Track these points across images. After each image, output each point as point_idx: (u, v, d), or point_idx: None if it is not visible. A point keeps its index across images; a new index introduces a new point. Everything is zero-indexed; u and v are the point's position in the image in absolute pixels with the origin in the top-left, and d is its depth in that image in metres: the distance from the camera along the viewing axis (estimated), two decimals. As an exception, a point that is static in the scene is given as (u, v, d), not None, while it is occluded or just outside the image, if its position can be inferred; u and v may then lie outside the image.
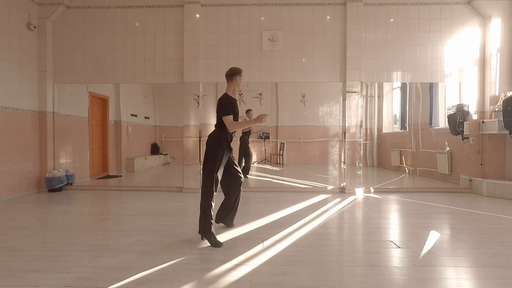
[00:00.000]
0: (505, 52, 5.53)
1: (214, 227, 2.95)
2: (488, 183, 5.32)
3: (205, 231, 2.90)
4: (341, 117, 5.88)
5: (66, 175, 5.73)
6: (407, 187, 6.28)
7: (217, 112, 3.09)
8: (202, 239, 2.99)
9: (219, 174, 3.01)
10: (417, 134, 7.82)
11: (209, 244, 2.87)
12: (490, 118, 5.52)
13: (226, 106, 3.05)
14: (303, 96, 10.24)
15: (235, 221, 3.42)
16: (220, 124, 3.07)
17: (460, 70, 5.72)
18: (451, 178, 6.44)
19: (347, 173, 5.72)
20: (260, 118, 3.00)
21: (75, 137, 6.44)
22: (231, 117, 3.02)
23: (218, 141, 3.00)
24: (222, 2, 5.79)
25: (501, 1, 5.52)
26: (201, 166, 3.17)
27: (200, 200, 2.96)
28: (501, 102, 5.29)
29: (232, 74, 3.17)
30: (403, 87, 8.77)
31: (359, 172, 5.70)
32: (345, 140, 5.77)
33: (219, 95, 3.14)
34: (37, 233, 3.29)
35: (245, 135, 7.41)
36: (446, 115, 6.28)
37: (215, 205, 3.01)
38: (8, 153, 5.04)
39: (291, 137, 10.47)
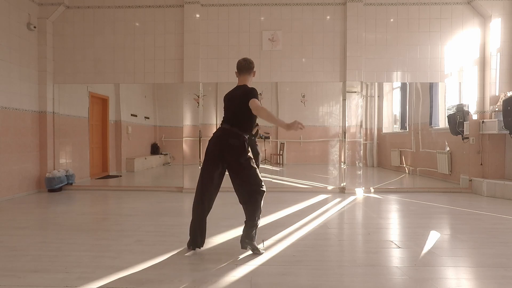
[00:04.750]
0: (505, 52, 5.52)
1: None
2: (488, 183, 5.32)
3: (253, 239, 2.64)
4: (341, 117, 5.88)
5: (66, 175, 5.72)
6: (407, 187, 6.29)
7: (238, 104, 2.65)
8: (245, 248, 2.65)
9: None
10: (417, 134, 7.82)
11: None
12: (490, 118, 5.52)
13: (256, 92, 2.64)
14: (303, 96, 10.22)
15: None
16: (240, 121, 2.66)
17: (460, 70, 5.71)
18: (451, 178, 6.43)
19: (347, 173, 5.72)
20: (293, 125, 2.52)
21: (75, 137, 6.44)
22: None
23: (244, 141, 2.64)
24: (222, 2, 5.79)
25: (501, 1, 5.51)
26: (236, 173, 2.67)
27: (250, 209, 2.63)
28: (501, 102, 5.29)
29: (252, 67, 2.80)
30: (403, 87, 8.77)
31: (359, 172, 5.69)
32: (345, 140, 5.76)
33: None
34: (37, 233, 3.29)
35: (252, 137, 7.39)
36: (446, 115, 6.28)
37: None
38: (8, 153, 5.03)
39: (291, 137, 10.46)
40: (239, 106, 2.65)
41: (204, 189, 2.70)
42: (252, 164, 2.66)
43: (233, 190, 2.70)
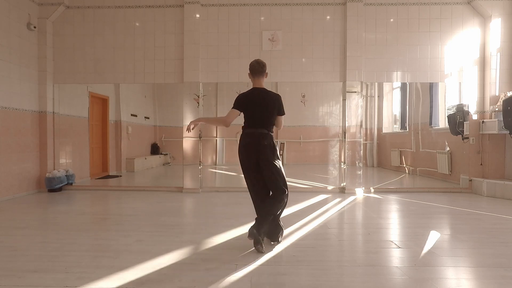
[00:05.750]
0: (505, 52, 5.52)
1: None
2: (488, 183, 5.32)
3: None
4: (341, 117, 5.88)
5: (66, 175, 5.72)
6: (407, 187, 6.28)
7: (271, 111, 2.86)
8: (277, 241, 2.87)
9: None
10: (417, 134, 7.82)
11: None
12: (490, 118, 5.52)
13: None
14: (303, 96, 10.22)
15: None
16: (271, 125, 2.90)
17: (460, 70, 5.71)
18: (451, 178, 6.43)
19: (347, 173, 5.72)
20: None
21: (75, 137, 6.44)
22: None
23: (273, 141, 2.92)
24: (222, 2, 5.79)
25: (501, 1, 5.51)
26: (275, 166, 2.81)
27: (276, 204, 2.77)
28: (501, 102, 5.29)
29: (265, 69, 2.98)
30: (403, 87, 8.77)
31: (359, 172, 5.69)
32: (345, 140, 5.76)
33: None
34: (37, 233, 3.29)
35: None
36: (446, 115, 6.28)
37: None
38: (8, 153, 5.03)
39: (291, 137, 10.46)
40: (272, 111, 2.87)
41: (258, 191, 2.88)
42: (280, 164, 2.86)
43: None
